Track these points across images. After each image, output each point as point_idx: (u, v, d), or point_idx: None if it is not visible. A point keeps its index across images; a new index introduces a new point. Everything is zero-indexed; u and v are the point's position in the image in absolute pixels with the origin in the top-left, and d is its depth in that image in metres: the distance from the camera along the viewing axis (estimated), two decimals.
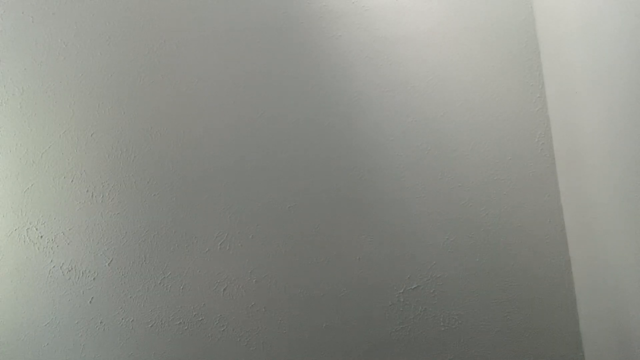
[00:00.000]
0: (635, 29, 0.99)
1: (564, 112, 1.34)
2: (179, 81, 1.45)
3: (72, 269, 1.39)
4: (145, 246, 1.40)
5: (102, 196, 1.41)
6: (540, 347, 1.36)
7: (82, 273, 1.39)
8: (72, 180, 1.42)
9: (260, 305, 1.38)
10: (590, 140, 1.21)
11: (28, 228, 1.40)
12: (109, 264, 1.39)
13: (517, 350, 1.35)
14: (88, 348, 1.37)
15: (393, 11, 1.47)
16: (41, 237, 1.40)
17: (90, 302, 1.38)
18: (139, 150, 1.43)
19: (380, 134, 1.43)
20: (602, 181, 1.17)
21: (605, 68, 1.11)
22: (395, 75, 1.45)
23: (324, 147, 1.43)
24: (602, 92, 1.13)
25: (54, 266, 1.39)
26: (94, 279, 1.39)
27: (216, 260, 1.39)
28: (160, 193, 1.41)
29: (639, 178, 1.03)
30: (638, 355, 1.11)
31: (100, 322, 1.38)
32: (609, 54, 1.09)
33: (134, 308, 1.38)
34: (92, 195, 1.41)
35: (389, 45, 1.46)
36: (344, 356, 1.36)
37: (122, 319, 1.37)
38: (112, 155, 1.43)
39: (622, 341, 1.16)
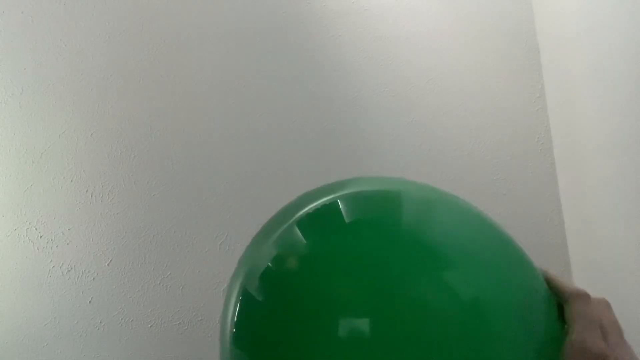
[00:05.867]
0: (635, 28, 0.99)
1: (564, 112, 1.34)
2: (179, 81, 1.45)
3: (71, 268, 1.39)
4: (145, 246, 1.39)
5: (102, 196, 1.41)
6: None
7: (82, 273, 1.39)
8: (72, 180, 1.42)
9: None
10: (590, 140, 1.21)
11: (27, 228, 1.40)
12: (108, 264, 1.39)
13: None
14: (88, 348, 1.36)
15: (393, 11, 1.47)
16: (40, 237, 1.40)
17: (89, 302, 1.38)
18: (139, 150, 1.43)
19: (380, 134, 1.43)
20: (602, 181, 1.17)
21: (605, 67, 1.11)
22: (396, 75, 1.45)
23: (324, 147, 1.43)
24: (602, 91, 1.13)
25: (53, 266, 1.39)
26: (93, 279, 1.39)
27: (216, 260, 1.38)
28: (160, 193, 1.41)
29: (639, 178, 1.03)
30: (638, 355, 1.11)
31: (100, 322, 1.37)
32: (608, 53, 1.09)
33: (134, 308, 1.37)
34: (92, 195, 1.41)
35: (389, 45, 1.46)
36: None
37: (122, 319, 1.37)
38: (112, 155, 1.42)
39: None
